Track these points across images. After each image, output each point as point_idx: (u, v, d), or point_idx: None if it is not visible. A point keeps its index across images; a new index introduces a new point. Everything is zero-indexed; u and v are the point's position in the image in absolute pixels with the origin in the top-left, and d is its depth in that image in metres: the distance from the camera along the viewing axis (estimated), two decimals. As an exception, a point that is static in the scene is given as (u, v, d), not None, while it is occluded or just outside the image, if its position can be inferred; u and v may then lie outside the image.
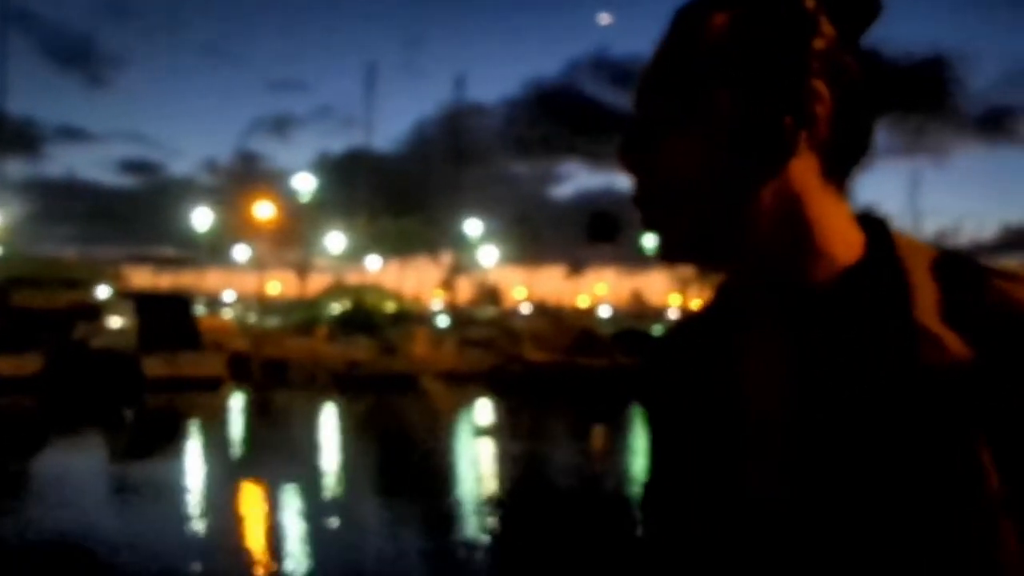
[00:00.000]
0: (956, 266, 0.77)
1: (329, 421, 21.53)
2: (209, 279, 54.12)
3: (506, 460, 15.49)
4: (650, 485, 0.93)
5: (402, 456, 15.45)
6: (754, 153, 0.79)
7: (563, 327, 36.47)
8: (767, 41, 0.79)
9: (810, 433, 0.76)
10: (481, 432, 19.53)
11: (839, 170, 0.81)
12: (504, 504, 11.38)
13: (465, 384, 27.91)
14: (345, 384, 26.59)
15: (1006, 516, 0.69)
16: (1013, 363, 0.70)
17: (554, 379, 28.79)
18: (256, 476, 12.69)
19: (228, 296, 57.54)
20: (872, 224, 0.82)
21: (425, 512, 10.76)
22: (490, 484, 13.07)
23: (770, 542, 0.76)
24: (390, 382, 26.85)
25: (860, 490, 0.72)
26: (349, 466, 14.49)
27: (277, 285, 53.82)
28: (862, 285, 0.77)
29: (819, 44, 0.78)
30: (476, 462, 15.50)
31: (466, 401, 24.87)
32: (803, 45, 0.78)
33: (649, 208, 0.84)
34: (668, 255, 0.84)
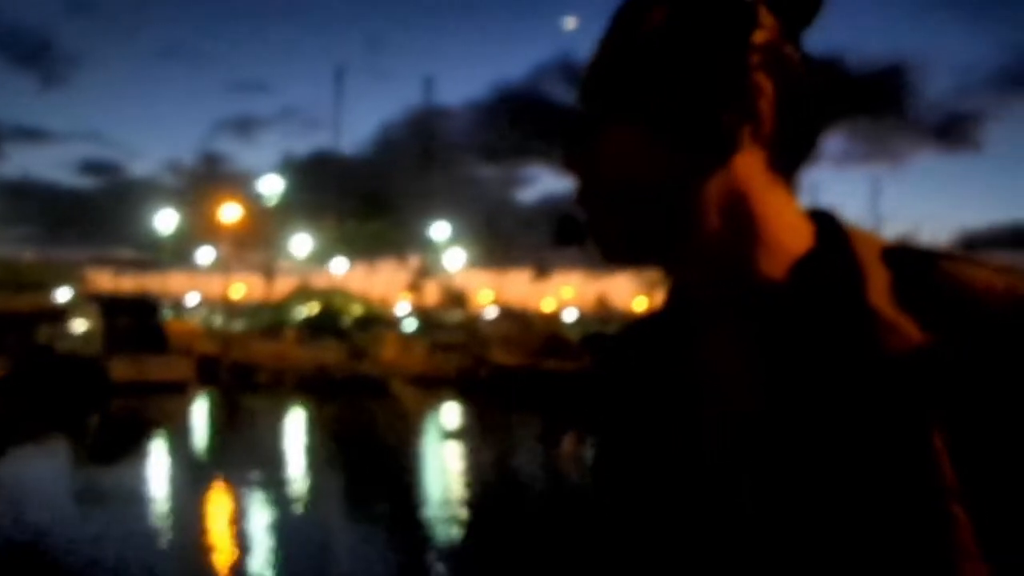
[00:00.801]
0: (904, 252, 0.76)
1: (297, 425, 21.45)
2: (172, 282, 53.65)
3: (473, 464, 15.51)
4: (600, 485, 0.89)
5: (370, 460, 15.41)
6: (695, 149, 0.77)
7: (531, 330, 36.59)
8: (706, 34, 0.77)
9: (769, 427, 0.74)
10: (449, 436, 19.56)
11: (786, 165, 0.79)
12: (470, 508, 11.40)
13: (434, 388, 27.91)
14: (314, 387, 26.50)
15: (958, 502, 0.68)
16: (966, 344, 0.70)
17: (522, 382, 28.88)
18: (223, 481, 12.64)
19: (192, 299, 57.06)
20: (821, 216, 0.81)
21: (392, 517, 10.76)
22: (457, 488, 13.08)
23: (732, 539, 0.75)
24: (359, 386, 26.79)
25: (818, 482, 0.71)
26: (317, 471, 14.44)
27: (242, 288, 53.45)
28: (814, 275, 0.76)
29: (760, 37, 0.77)
30: (444, 466, 15.51)
31: (435, 405, 24.89)
32: (742, 38, 0.77)
33: (589, 207, 0.82)
34: (609, 256, 0.82)
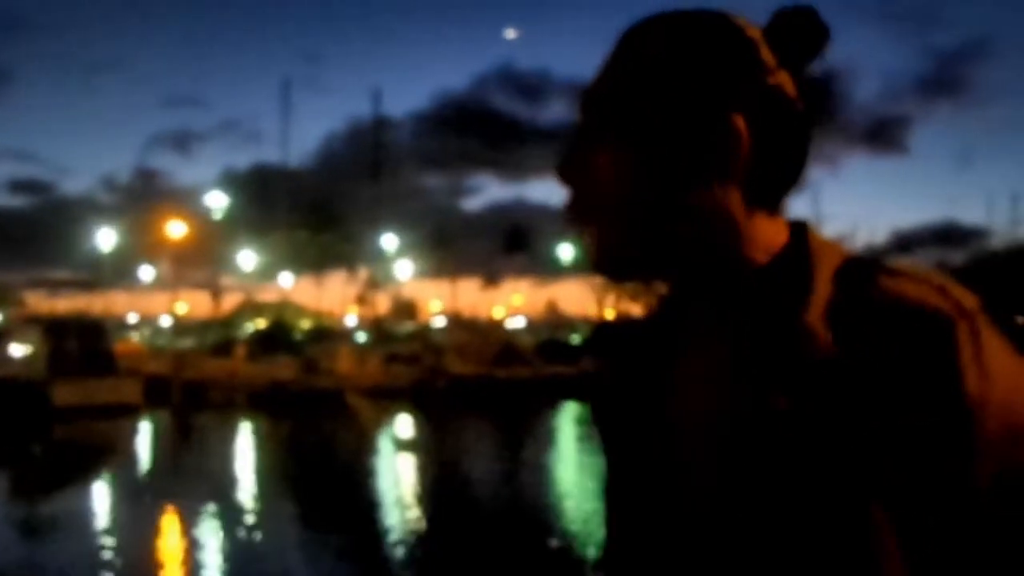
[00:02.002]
0: (856, 266, 0.79)
1: (250, 444, 21.04)
2: (111, 301, 52.32)
3: (430, 477, 15.35)
4: (608, 489, 0.94)
5: (328, 478, 15.12)
6: (675, 175, 0.81)
7: (485, 340, 36.48)
8: (697, 70, 0.81)
9: (717, 432, 0.79)
10: (408, 447, 19.39)
11: (766, 196, 0.83)
12: (425, 524, 11.23)
13: (390, 399, 27.65)
14: (267, 404, 26.02)
15: (873, 507, 0.72)
16: (872, 355, 0.73)
17: (478, 391, 28.76)
18: (174, 507, 12.21)
19: (132, 318, 55.79)
20: (796, 231, 0.84)
21: (347, 537, 10.51)
22: (412, 503, 12.90)
23: (692, 539, 0.80)
24: (314, 400, 26.41)
25: (751, 486, 0.76)
26: (273, 492, 14.03)
27: (184, 305, 52.40)
28: (764, 289, 0.81)
29: (752, 77, 0.81)
30: (404, 480, 15.30)
31: (391, 417, 24.64)
32: (731, 77, 0.81)
33: (577, 221, 0.86)
34: (598, 268, 0.86)
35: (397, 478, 15.50)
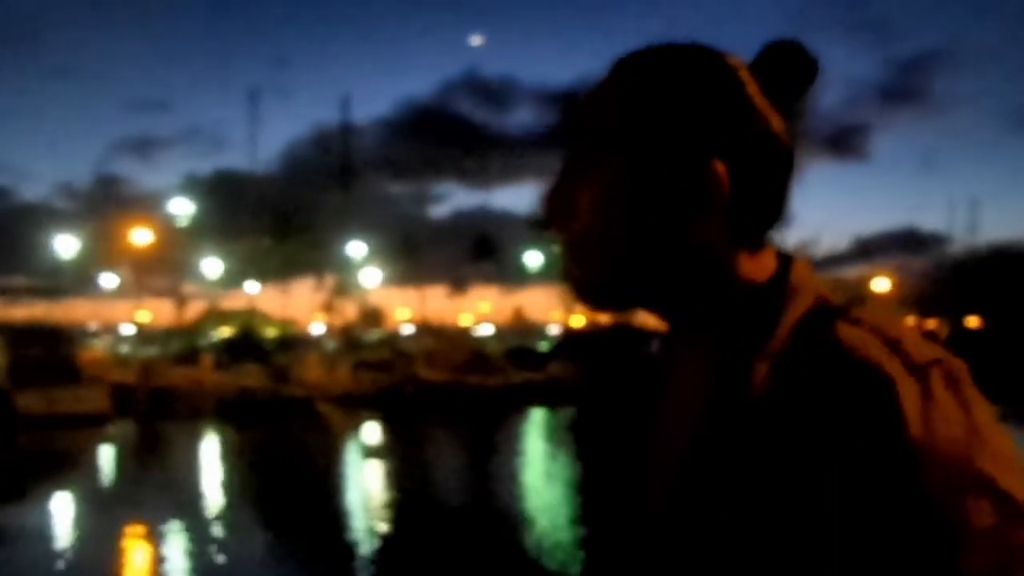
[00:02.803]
0: (822, 310, 0.79)
1: (218, 453, 20.80)
2: (72, 309, 51.56)
3: (400, 484, 15.30)
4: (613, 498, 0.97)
5: (297, 488, 14.97)
6: (655, 214, 0.82)
7: (454, 347, 36.43)
8: (683, 112, 0.81)
9: (678, 459, 0.82)
10: (378, 455, 19.33)
11: (750, 232, 0.83)
12: (394, 533, 11.19)
13: (360, 407, 27.52)
14: (236, 413, 25.76)
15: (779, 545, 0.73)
16: (805, 404, 0.73)
17: (448, 398, 28.75)
18: (141, 519, 12.00)
19: (93, 326, 55.00)
20: (781, 265, 0.84)
21: (313, 549, 10.45)
22: (382, 511, 12.84)
23: (659, 555, 0.82)
24: (283, 408, 26.21)
25: (698, 515, 0.78)
26: (241, 504, 13.86)
27: (147, 313, 51.76)
28: (734, 322, 0.82)
29: (739, 121, 0.81)
30: (370, 489, 15.24)
31: (361, 424, 24.53)
32: (717, 122, 0.81)
33: (566, 255, 0.86)
34: (581, 300, 0.87)
35: (368, 487, 15.44)
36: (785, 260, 0.84)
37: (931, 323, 53.51)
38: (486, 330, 59.16)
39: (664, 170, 0.81)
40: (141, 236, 37.84)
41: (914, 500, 0.69)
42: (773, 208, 0.84)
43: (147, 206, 46.87)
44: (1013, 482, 0.71)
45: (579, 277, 0.86)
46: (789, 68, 0.83)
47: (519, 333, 57.96)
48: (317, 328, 48.85)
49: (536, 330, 59.65)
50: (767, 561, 0.73)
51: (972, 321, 59.94)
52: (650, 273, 0.83)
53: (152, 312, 52.75)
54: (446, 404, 28.05)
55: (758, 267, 0.83)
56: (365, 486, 15.59)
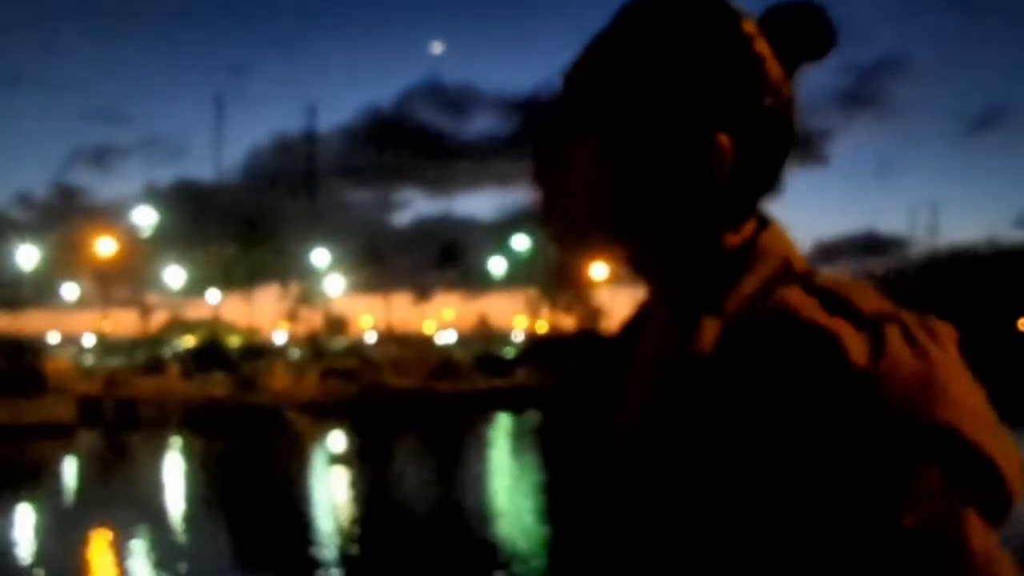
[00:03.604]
0: (783, 273, 0.78)
1: (185, 462, 20.69)
2: (31, 320, 50.86)
3: (368, 493, 15.31)
4: (551, 495, 0.95)
5: (266, 497, 14.91)
6: (652, 180, 0.79)
7: (420, 354, 36.55)
8: (693, 78, 0.77)
9: (633, 418, 0.80)
10: (342, 462, 19.40)
11: (745, 201, 0.80)
12: (359, 542, 11.18)
13: (328, 415, 27.48)
14: (203, 422, 25.64)
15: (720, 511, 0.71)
16: (737, 360, 0.72)
17: (417, 405, 28.82)
18: (107, 528, 12.00)
19: (53, 338, 54.25)
20: (759, 226, 0.81)
21: (280, 556, 10.49)
22: (348, 519, 12.86)
23: (618, 516, 0.79)
24: (251, 417, 26.08)
25: (651, 469, 0.76)
26: (205, 512, 13.83)
27: (109, 324, 51.21)
28: (697, 284, 0.80)
29: (751, 96, 0.77)
30: (339, 497, 15.24)
31: (329, 433, 24.52)
32: (727, 94, 0.77)
33: (551, 218, 0.84)
34: (562, 243, 0.86)
35: (335, 495, 15.43)
36: (761, 226, 0.81)
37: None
38: (450, 337, 59.22)
39: (665, 141, 0.78)
40: (105, 246, 37.48)
41: (859, 453, 0.67)
42: (771, 179, 0.81)
43: (107, 216, 46.48)
44: (980, 433, 0.69)
45: (564, 227, 0.84)
46: (805, 34, 0.79)
47: (483, 339, 58.06)
48: (280, 337, 48.65)
49: (500, 336, 59.77)
50: (717, 519, 0.71)
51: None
52: (633, 235, 0.81)
53: (114, 322, 52.25)
54: (414, 411, 28.13)
55: (738, 233, 0.80)
56: (333, 494, 15.59)
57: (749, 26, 0.78)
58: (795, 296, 0.73)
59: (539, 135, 0.84)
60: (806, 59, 0.79)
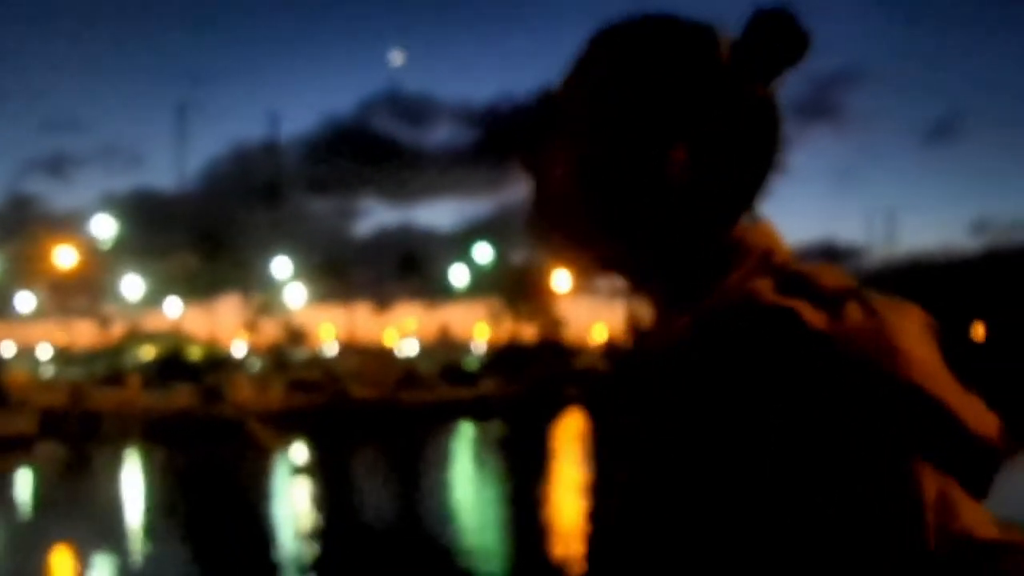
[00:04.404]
0: (761, 266, 0.80)
1: (147, 475, 20.49)
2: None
3: (332, 504, 15.31)
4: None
5: (228, 508, 14.90)
6: (615, 193, 0.83)
7: (385, 365, 36.53)
8: (648, 96, 0.82)
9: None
10: (307, 474, 19.40)
11: (724, 205, 0.83)
12: (321, 555, 11.17)
13: (293, 426, 27.39)
14: (167, 434, 25.43)
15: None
16: (702, 345, 0.74)
17: (382, 416, 28.83)
18: (67, 541, 11.90)
19: (7, 349, 53.32)
20: (737, 234, 0.83)
21: (240, 570, 10.54)
22: (311, 532, 12.81)
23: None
24: (215, 429, 25.88)
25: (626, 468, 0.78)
26: (167, 525, 13.65)
27: (66, 335, 50.52)
28: (679, 286, 0.83)
29: (714, 104, 0.81)
30: (302, 510, 15.20)
31: (295, 444, 24.43)
32: (682, 106, 0.81)
33: (537, 214, 0.88)
34: (554, 250, 0.90)
35: (300, 508, 15.39)
36: (748, 224, 0.84)
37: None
38: (411, 347, 59.09)
39: (628, 153, 0.82)
40: (64, 256, 37.01)
41: (821, 414, 0.69)
42: (750, 183, 0.83)
43: (64, 225, 45.81)
44: (944, 392, 0.71)
45: (549, 234, 0.88)
46: (779, 40, 0.81)
47: (445, 349, 58.01)
48: (240, 348, 48.26)
49: (462, 346, 59.73)
50: (699, 498, 0.73)
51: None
52: (609, 241, 0.85)
53: (72, 333, 51.51)
54: (380, 422, 28.15)
55: (724, 233, 0.83)
56: (297, 506, 15.56)
57: (710, 37, 0.82)
58: (761, 283, 0.76)
59: (520, 143, 0.88)
60: (785, 65, 0.82)
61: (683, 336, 0.76)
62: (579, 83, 0.85)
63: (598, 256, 0.87)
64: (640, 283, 0.87)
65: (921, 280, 62.26)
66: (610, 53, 0.84)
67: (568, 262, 0.92)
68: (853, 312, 0.72)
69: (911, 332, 0.74)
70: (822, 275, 0.77)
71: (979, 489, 0.73)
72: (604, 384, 0.90)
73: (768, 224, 0.85)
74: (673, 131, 0.81)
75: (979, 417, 0.73)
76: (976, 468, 0.73)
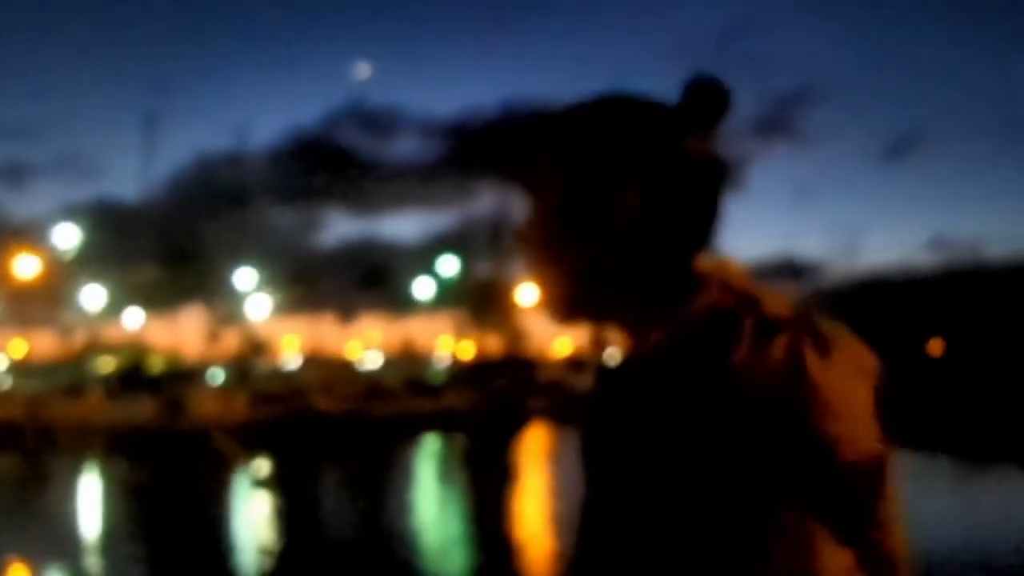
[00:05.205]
0: (721, 291, 0.94)
1: (107, 489, 20.21)
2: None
3: (296, 519, 15.26)
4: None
5: (188, 523, 14.72)
6: (578, 228, 0.97)
7: (346, 377, 36.37)
8: (601, 158, 0.97)
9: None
10: (270, 487, 19.34)
11: (676, 247, 0.97)
12: (281, 571, 11.15)
13: (257, 439, 27.15)
14: (128, 447, 25.09)
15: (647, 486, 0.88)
16: (678, 350, 0.90)
17: (347, 428, 28.70)
18: (22, 557, 11.70)
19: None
20: (711, 265, 0.97)
21: None
22: (273, 547, 12.77)
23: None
24: (178, 442, 25.62)
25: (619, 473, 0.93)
26: (124, 540, 13.47)
27: (24, 345, 49.64)
28: (650, 319, 0.97)
29: (656, 158, 0.95)
30: (265, 524, 15.15)
31: (259, 457, 24.22)
32: (634, 161, 0.96)
33: (519, 242, 1.03)
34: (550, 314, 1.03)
35: (263, 523, 15.31)
36: (706, 257, 0.98)
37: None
38: (375, 359, 58.80)
39: (589, 198, 0.96)
40: (25, 266, 36.41)
41: (725, 442, 0.83)
42: (703, 222, 0.97)
43: (21, 235, 45.10)
44: (843, 434, 0.83)
45: (542, 294, 1.01)
46: (710, 101, 0.97)
47: (408, 362, 57.79)
48: (200, 359, 47.68)
49: (425, 359, 59.51)
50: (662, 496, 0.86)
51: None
52: (572, 276, 0.98)
53: (30, 344, 50.66)
54: (345, 435, 28.02)
55: (682, 266, 0.96)
56: (259, 520, 15.45)
57: (657, 113, 0.98)
58: (720, 302, 0.92)
59: (510, 161, 1.04)
60: (713, 123, 0.97)
61: (659, 348, 0.92)
62: (554, 146, 1.00)
63: (584, 309, 1.00)
64: (607, 315, 0.99)
65: (879, 297, 63.16)
66: (579, 124, 0.99)
67: (542, 299, 1.03)
68: (779, 345, 0.85)
69: (834, 372, 0.85)
70: (767, 302, 0.90)
71: (853, 537, 0.84)
72: (594, 397, 1.02)
73: (727, 258, 0.99)
74: (627, 179, 0.95)
75: (862, 451, 0.84)
76: (851, 514, 0.83)
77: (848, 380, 0.85)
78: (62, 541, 13.04)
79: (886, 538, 0.87)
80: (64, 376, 36.75)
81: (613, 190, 0.96)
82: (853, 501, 0.83)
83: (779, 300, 0.91)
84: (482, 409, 33.91)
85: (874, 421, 0.86)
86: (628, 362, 0.98)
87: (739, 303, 0.90)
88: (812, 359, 0.84)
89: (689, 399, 0.86)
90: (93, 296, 45.40)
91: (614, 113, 0.98)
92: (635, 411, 0.91)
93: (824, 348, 0.85)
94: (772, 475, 0.81)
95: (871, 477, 0.85)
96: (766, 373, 0.83)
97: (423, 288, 52.65)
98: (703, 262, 0.97)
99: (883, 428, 0.87)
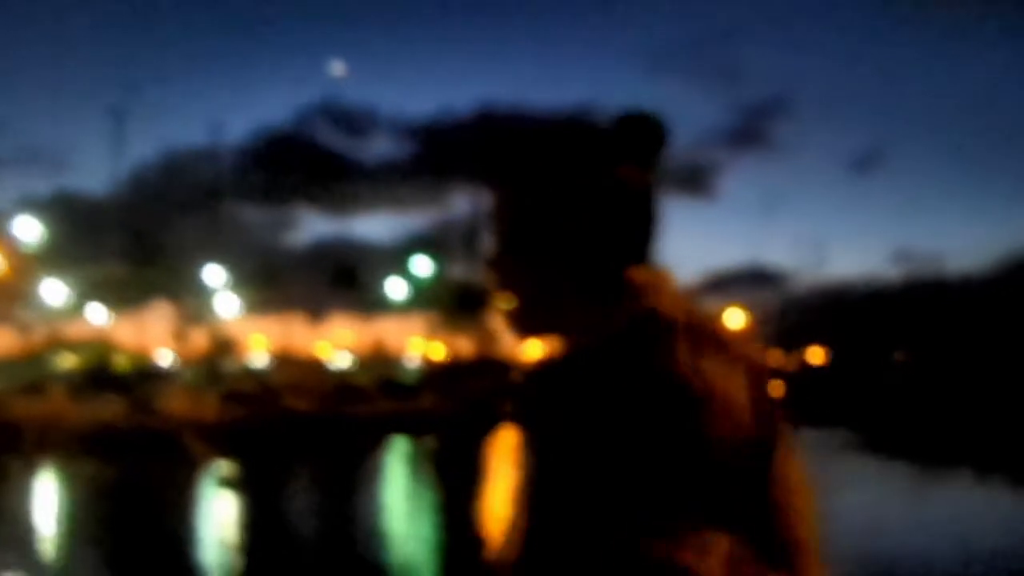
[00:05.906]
0: (654, 298, 1.03)
1: (69, 490, 19.94)
2: None
3: (266, 519, 15.27)
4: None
5: (155, 525, 14.67)
6: (530, 237, 1.07)
7: (320, 377, 36.24)
8: (552, 174, 1.07)
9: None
10: (241, 488, 19.31)
11: (616, 259, 1.06)
12: (250, 571, 11.17)
13: (228, 439, 26.95)
14: (95, 447, 24.59)
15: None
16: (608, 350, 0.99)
17: (318, 428, 28.60)
18: None
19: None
20: (640, 280, 1.06)
21: None
22: (242, 549, 12.78)
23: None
24: (147, 442, 25.21)
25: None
26: (89, 542, 13.31)
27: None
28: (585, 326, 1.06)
29: (595, 181, 1.05)
30: (233, 524, 15.15)
31: (229, 457, 24.05)
32: (576, 181, 1.06)
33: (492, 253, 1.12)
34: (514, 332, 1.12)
35: (231, 523, 15.24)
36: (641, 271, 1.06)
37: (776, 356, 56.30)
38: (344, 359, 58.57)
39: (537, 218, 1.06)
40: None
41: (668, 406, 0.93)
42: (638, 238, 1.06)
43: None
44: (720, 420, 0.93)
45: (503, 314, 1.10)
46: (644, 134, 1.07)
47: (379, 362, 57.63)
48: (167, 358, 47.27)
49: (396, 360, 59.36)
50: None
51: (815, 354, 63.82)
52: (546, 309, 1.07)
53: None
54: (316, 435, 27.92)
55: (618, 280, 1.05)
56: (228, 521, 15.36)
57: (596, 142, 1.07)
58: (653, 306, 1.01)
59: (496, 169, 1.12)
60: (649, 154, 1.07)
61: (591, 346, 0.99)
62: (504, 180, 1.09)
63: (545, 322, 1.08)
64: (554, 327, 1.07)
65: (845, 307, 63.88)
66: (526, 158, 1.08)
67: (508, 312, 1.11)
68: (683, 347, 0.95)
69: (704, 366, 0.95)
70: (664, 308, 1.00)
71: (731, 520, 0.92)
72: (529, 392, 1.11)
73: (664, 270, 1.08)
74: (569, 207, 1.05)
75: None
76: (726, 496, 0.92)
77: (720, 372, 0.95)
78: (20, 542, 12.86)
79: (781, 521, 0.95)
80: (23, 373, 36.09)
81: (557, 218, 1.05)
82: (728, 482, 0.92)
83: (675, 305, 1.02)
84: (455, 411, 33.93)
85: (747, 408, 0.95)
86: (557, 362, 1.05)
87: (654, 311, 1.00)
88: (684, 356, 0.95)
89: (604, 395, 0.94)
90: (54, 291, 44.72)
91: (557, 145, 1.07)
92: (560, 409, 0.99)
93: (699, 346, 0.96)
94: (658, 455, 0.91)
95: (749, 458, 0.94)
96: (655, 370, 0.94)
97: (395, 289, 52.53)
98: (638, 274, 1.05)
99: (768, 417, 0.97)
